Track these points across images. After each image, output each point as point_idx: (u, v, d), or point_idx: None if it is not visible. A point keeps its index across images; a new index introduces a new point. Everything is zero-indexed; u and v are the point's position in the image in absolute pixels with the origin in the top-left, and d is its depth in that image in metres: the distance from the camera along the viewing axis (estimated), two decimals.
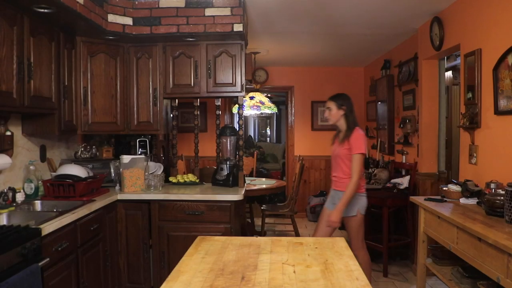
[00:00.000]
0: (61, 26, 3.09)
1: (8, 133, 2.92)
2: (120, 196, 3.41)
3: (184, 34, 3.47)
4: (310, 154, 6.97)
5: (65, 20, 2.94)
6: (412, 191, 4.29)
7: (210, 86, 3.68)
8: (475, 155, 3.21)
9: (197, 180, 3.86)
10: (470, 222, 2.40)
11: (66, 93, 3.24)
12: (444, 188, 3.21)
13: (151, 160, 3.91)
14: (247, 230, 4.65)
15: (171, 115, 4.00)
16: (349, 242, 3.08)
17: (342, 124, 3.30)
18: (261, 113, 6.54)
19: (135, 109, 3.75)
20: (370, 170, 5.17)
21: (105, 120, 3.62)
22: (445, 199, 3.12)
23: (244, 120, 4.78)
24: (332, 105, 3.30)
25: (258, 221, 5.99)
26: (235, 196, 3.36)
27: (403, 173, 4.66)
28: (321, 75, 6.98)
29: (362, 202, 3.28)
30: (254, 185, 5.22)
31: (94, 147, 3.88)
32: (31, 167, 3.13)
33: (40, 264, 2.13)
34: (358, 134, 3.19)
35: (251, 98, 5.73)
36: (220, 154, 3.91)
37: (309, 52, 5.78)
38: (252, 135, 12.84)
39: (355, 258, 1.79)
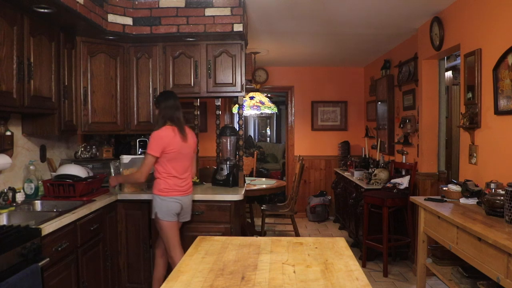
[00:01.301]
0: (61, 26, 3.09)
1: (8, 133, 2.92)
2: (120, 196, 3.41)
3: (184, 34, 3.47)
4: (310, 154, 6.97)
5: (65, 20, 2.95)
6: (412, 191, 4.29)
7: (210, 86, 3.68)
8: (475, 155, 3.21)
9: (197, 180, 3.86)
10: (470, 222, 2.40)
11: (66, 93, 3.24)
12: (444, 188, 3.21)
13: None
14: (247, 230, 4.65)
15: None
16: None
17: None
18: (261, 113, 6.55)
19: (135, 109, 3.75)
20: (370, 170, 5.17)
21: (105, 120, 3.62)
22: (445, 199, 3.12)
23: (244, 120, 4.78)
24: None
25: (258, 221, 5.99)
26: (235, 196, 3.35)
27: (403, 173, 4.66)
28: (321, 75, 6.98)
29: (160, 206, 3.00)
30: (254, 185, 5.22)
31: (94, 147, 3.88)
32: (31, 167, 3.13)
33: (40, 264, 2.14)
34: (155, 133, 2.98)
35: (251, 98, 5.73)
36: (220, 154, 3.91)
37: (309, 52, 5.78)
38: (252, 135, 12.83)
39: (356, 259, 1.79)
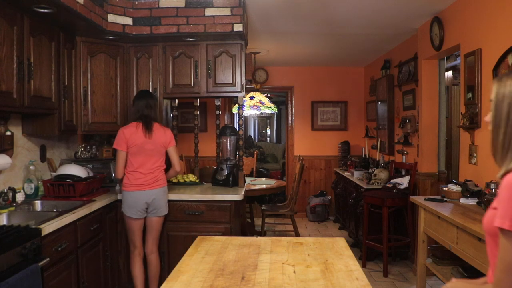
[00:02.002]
0: (61, 26, 3.09)
1: (8, 133, 2.92)
2: (120, 196, 3.40)
3: (184, 34, 3.47)
4: (310, 154, 6.97)
5: (65, 20, 2.94)
6: (412, 191, 4.29)
7: (210, 86, 3.68)
8: (475, 155, 3.21)
9: (197, 180, 3.86)
10: (470, 222, 2.40)
11: (66, 93, 3.24)
12: (444, 188, 3.21)
13: None
14: (247, 230, 4.65)
15: (171, 115, 4.00)
16: None
17: None
18: (261, 113, 6.54)
19: None
20: (370, 170, 5.17)
21: (105, 120, 3.62)
22: (445, 199, 3.12)
23: (244, 120, 4.78)
24: None
25: (258, 221, 5.99)
26: (235, 196, 3.35)
27: (403, 173, 4.66)
28: (321, 75, 6.98)
29: (123, 200, 3.17)
30: (254, 185, 5.22)
31: (94, 147, 3.88)
32: (31, 167, 3.13)
33: (40, 264, 2.14)
34: (119, 129, 3.19)
35: (251, 98, 5.73)
36: (220, 154, 3.91)
37: (309, 52, 5.78)
38: (252, 135, 12.83)
39: (354, 258, 1.79)
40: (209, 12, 3.43)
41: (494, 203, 1.31)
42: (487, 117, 1.39)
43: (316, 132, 7.03)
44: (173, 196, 3.39)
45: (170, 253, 3.37)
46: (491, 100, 1.39)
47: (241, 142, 3.77)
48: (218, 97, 3.87)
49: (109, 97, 3.62)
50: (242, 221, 3.88)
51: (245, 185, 3.84)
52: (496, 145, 1.40)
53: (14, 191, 2.92)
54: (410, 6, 3.67)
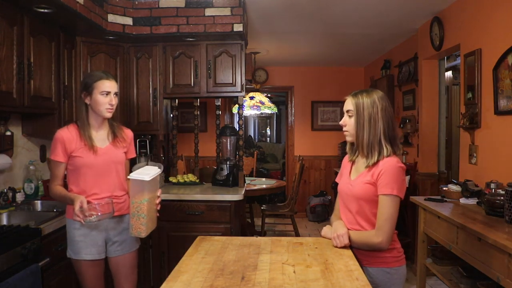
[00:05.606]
0: (61, 26, 3.08)
1: (8, 133, 2.92)
2: None
3: (184, 34, 3.47)
4: (310, 154, 6.97)
5: (65, 20, 2.94)
6: (412, 191, 4.29)
7: (210, 86, 3.68)
8: (475, 155, 3.21)
9: (197, 180, 3.86)
10: (470, 222, 2.40)
11: (66, 93, 3.24)
12: (444, 188, 3.21)
13: (151, 160, 3.90)
14: (247, 230, 4.65)
15: (171, 115, 4.00)
16: None
17: None
18: (261, 113, 6.55)
19: (135, 109, 3.75)
20: None
21: None
22: (445, 199, 3.12)
23: (244, 120, 4.78)
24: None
25: (258, 221, 5.99)
26: (235, 196, 3.35)
27: None
28: (321, 75, 6.98)
29: (67, 235, 2.34)
30: (254, 185, 5.22)
31: None
32: (31, 167, 3.13)
33: (40, 264, 2.14)
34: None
35: (251, 98, 5.73)
36: (220, 154, 3.91)
37: (309, 52, 5.78)
38: (252, 135, 12.83)
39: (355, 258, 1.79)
40: (209, 12, 3.43)
41: (369, 180, 1.77)
42: (342, 122, 1.84)
43: (316, 132, 7.03)
44: (173, 196, 3.39)
45: (170, 253, 3.37)
46: (348, 111, 1.81)
47: (241, 142, 3.77)
48: (218, 97, 3.87)
49: None
50: (242, 221, 3.88)
51: (245, 185, 3.84)
52: (362, 143, 1.78)
53: (14, 191, 2.92)
54: (410, 6, 3.67)
